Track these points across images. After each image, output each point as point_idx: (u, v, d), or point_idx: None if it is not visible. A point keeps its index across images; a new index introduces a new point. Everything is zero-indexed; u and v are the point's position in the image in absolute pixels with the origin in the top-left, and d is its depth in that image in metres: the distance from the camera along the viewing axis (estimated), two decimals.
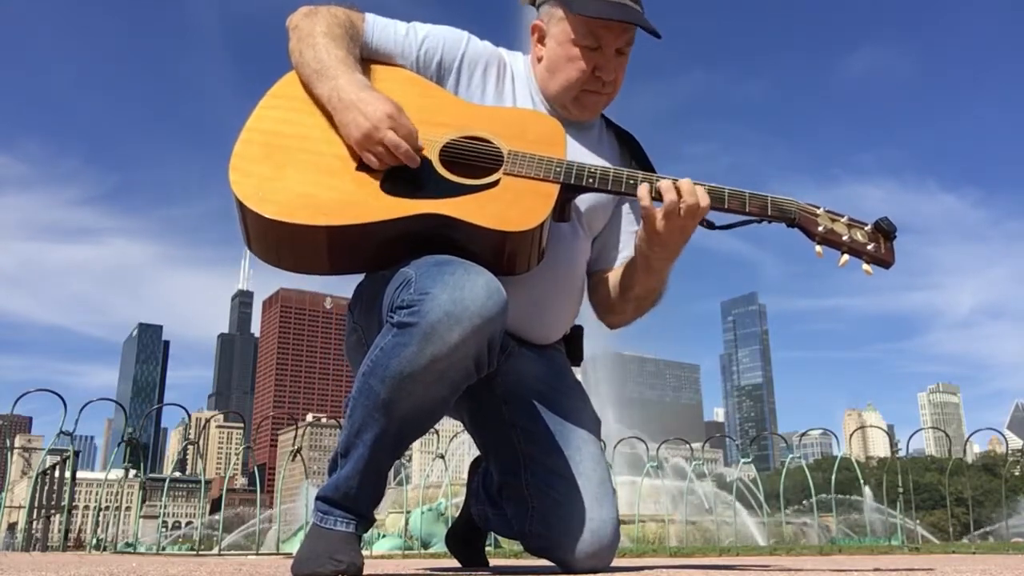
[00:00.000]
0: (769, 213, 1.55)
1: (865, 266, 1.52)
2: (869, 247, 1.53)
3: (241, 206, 1.46)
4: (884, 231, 1.53)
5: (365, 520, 1.48)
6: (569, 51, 1.70)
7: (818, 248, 1.53)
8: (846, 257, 1.52)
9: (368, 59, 1.68)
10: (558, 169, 1.55)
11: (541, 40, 1.78)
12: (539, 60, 1.79)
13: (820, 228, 1.53)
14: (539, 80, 1.80)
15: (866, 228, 1.55)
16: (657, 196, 1.55)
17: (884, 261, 1.53)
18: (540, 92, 1.80)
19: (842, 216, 1.55)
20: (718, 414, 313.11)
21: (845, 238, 1.53)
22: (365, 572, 1.45)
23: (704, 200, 1.53)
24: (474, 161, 1.55)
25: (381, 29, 1.70)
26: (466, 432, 1.85)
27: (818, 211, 1.55)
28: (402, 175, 1.50)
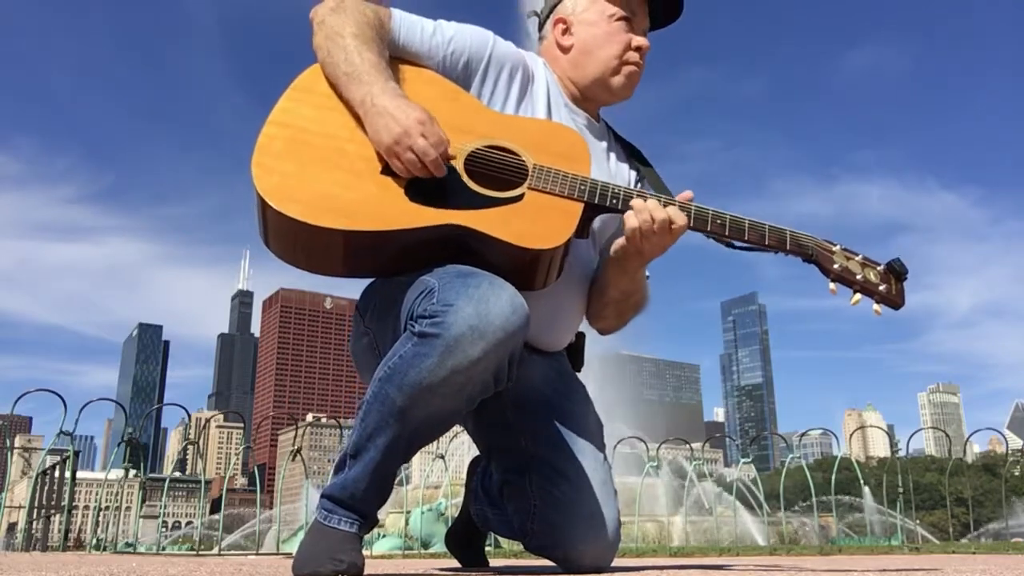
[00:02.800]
0: (788, 248, 1.58)
1: (875, 306, 1.56)
2: (881, 287, 1.56)
3: (263, 202, 1.43)
4: (896, 272, 1.57)
5: (368, 521, 1.48)
6: (608, 27, 1.77)
7: (832, 285, 1.56)
8: (858, 296, 1.55)
9: (393, 57, 1.63)
10: (583, 187, 1.55)
11: (567, 31, 1.81)
12: (565, 51, 1.81)
13: (836, 266, 1.57)
14: (569, 73, 1.82)
15: (879, 268, 1.58)
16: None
17: (894, 303, 1.57)
18: (564, 93, 1.82)
19: (857, 255, 1.59)
20: (718, 414, 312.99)
21: (859, 277, 1.56)
22: (365, 572, 1.44)
23: (680, 220, 1.56)
24: (499, 173, 1.54)
25: (408, 28, 1.65)
26: (466, 432, 1.85)
27: (834, 248, 1.59)
28: (427, 182, 1.48)
